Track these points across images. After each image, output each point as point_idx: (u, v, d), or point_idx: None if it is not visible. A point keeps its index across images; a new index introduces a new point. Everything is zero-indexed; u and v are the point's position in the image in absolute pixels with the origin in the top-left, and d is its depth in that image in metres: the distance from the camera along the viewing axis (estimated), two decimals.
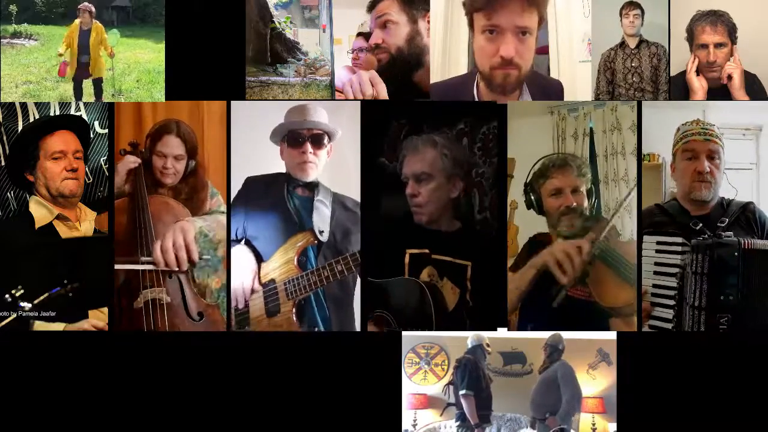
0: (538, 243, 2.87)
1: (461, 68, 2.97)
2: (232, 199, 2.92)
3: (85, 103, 2.96)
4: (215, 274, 2.92)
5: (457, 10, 2.91)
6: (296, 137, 2.91)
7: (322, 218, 2.91)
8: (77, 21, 2.98)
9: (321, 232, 2.90)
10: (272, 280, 2.91)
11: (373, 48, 2.94)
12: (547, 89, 2.94)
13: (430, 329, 2.84)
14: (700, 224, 2.80)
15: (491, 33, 2.81)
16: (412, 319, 2.85)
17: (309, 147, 2.90)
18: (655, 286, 2.82)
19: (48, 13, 2.98)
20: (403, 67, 2.94)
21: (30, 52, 2.98)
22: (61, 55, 2.96)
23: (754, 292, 2.76)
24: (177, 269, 2.87)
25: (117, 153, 2.92)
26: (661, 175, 2.96)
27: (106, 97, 2.97)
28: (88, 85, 2.98)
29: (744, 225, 2.83)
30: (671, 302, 2.79)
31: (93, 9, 2.98)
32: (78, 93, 2.97)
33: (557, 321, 2.84)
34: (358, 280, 2.89)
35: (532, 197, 2.87)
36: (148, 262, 2.86)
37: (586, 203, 2.86)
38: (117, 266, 2.87)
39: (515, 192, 2.90)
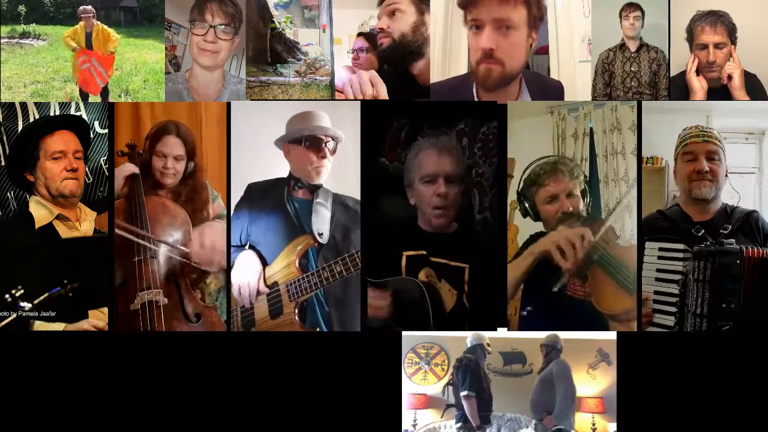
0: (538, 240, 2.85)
1: (461, 68, 2.97)
2: (233, 204, 2.91)
3: (84, 103, 2.96)
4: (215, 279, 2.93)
5: (457, 10, 2.91)
6: (317, 141, 2.88)
7: (321, 220, 2.90)
8: (81, 24, 2.98)
9: (320, 235, 2.89)
10: (275, 283, 2.90)
11: (377, 33, 2.95)
12: (547, 89, 2.94)
13: (428, 329, 2.83)
14: (702, 230, 2.79)
15: (476, 28, 2.81)
16: (411, 319, 2.84)
17: (327, 152, 2.88)
18: (656, 292, 2.81)
19: (56, 14, 2.99)
20: (404, 52, 2.94)
21: (38, 52, 2.98)
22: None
23: (756, 300, 2.73)
24: (208, 268, 2.90)
25: (116, 154, 2.91)
26: (664, 179, 2.96)
27: (113, 98, 2.97)
28: None
29: (747, 233, 2.81)
30: (673, 309, 2.78)
31: (93, 11, 2.99)
32: (84, 94, 2.97)
33: (556, 310, 2.82)
34: (359, 278, 2.88)
35: (526, 205, 2.85)
36: (170, 246, 2.87)
37: (581, 205, 2.84)
38: (117, 231, 2.86)
39: (515, 192, 2.89)
